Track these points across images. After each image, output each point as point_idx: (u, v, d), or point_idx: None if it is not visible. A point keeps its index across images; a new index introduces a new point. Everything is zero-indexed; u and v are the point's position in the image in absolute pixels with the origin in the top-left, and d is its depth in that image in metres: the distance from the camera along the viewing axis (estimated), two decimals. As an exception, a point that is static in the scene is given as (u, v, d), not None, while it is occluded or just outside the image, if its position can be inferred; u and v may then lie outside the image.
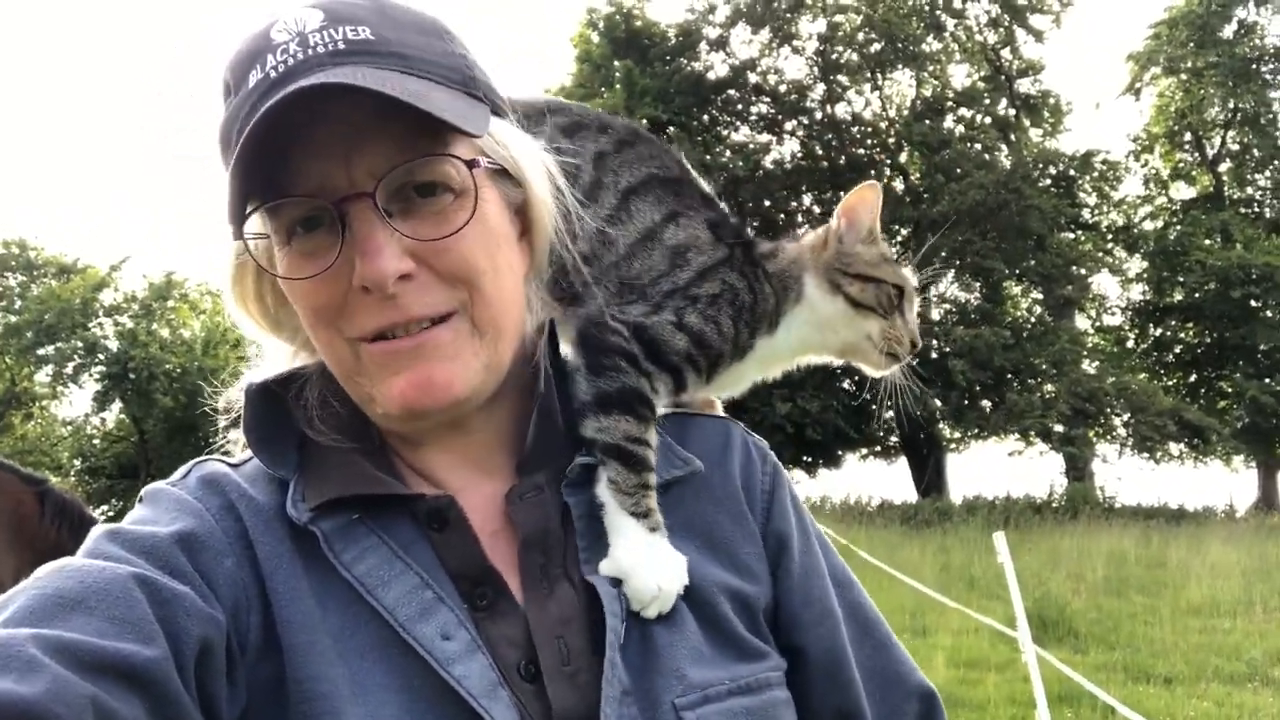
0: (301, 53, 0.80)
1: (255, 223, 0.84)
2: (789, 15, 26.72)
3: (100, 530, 0.80)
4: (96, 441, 28.09)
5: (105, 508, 24.30)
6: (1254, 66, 26.62)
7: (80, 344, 24.57)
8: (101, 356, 24.79)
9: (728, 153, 26.78)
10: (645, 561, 0.88)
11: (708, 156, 25.44)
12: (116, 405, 26.15)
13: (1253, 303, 24.88)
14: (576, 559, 0.89)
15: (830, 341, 1.15)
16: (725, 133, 28.34)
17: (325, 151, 0.80)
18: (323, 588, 0.83)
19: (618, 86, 26.19)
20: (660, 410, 1.01)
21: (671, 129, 25.85)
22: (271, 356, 0.98)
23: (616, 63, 26.61)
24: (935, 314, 27.23)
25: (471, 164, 0.85)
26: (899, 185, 27.65)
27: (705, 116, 27.77)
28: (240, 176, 0.78)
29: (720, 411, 1.15)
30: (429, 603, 0.82)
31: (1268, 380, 24.96)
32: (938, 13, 27.10)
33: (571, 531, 0.90)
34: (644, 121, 25.33)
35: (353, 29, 0.81)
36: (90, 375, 25.49)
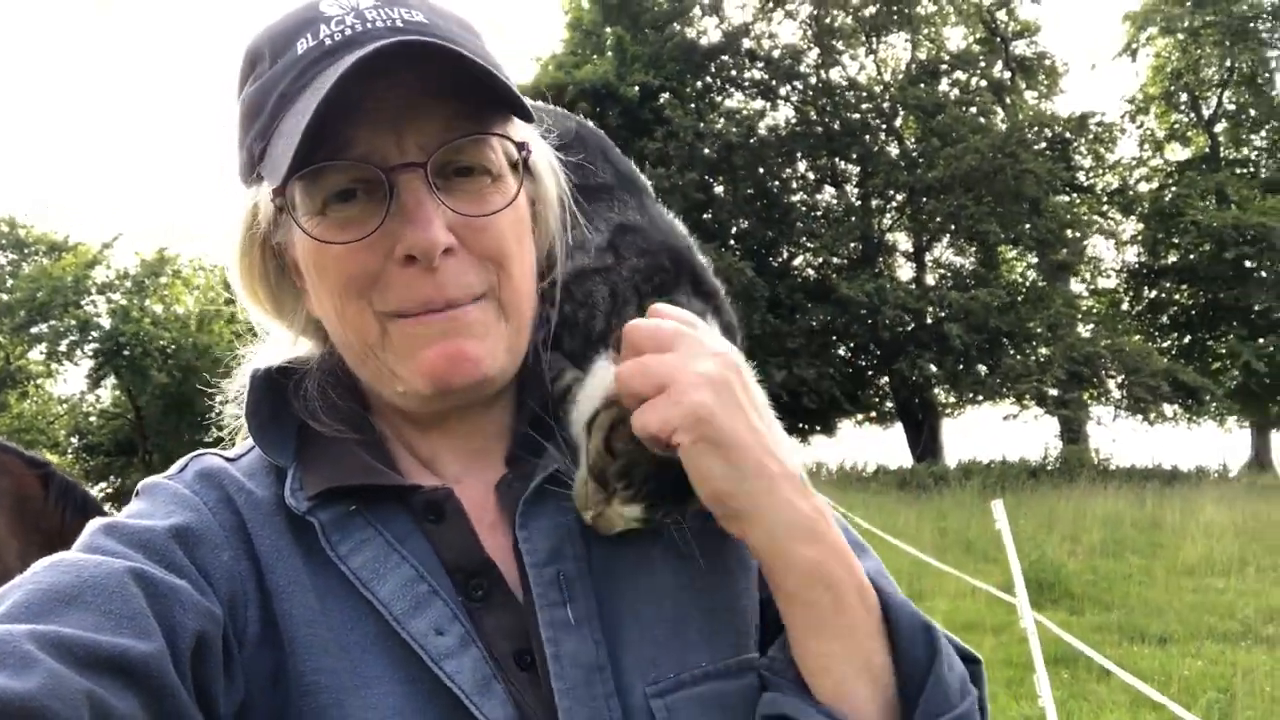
0: (360, 25, 0.80)
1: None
2: (782, -22, 26.48)
3: (96, 524, 0.80)
4: (93, 419, 28.08)
5: (104, 484, 24.36)
6: (1251, 25, 26.44)
7: (74, 321, 24.45)
8: (95, 334, 24.67)
9: (721, 120, 26.59)
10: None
11: (701, 124, 25.27)
12: (111, 382, 26.09)
13: (1247, 263, 24.91)
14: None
15: None
16: (719, 99, 28.16)
17: (374, 121, 0.80)
18: (322, 580, 0.83)
19: (609, 53, 25.95)
20: None
21: (664, 96, 25.66)
22: (272, 342, 0.96)
23: (608, 29, 26.36)
24: (930, 279, 27.23)
25: (521, 145, 0.86)
26: (894, 150, 27.52)
27: (698, 83, 27.56)
28: (287, 139, 0.77)
29: None
30: (423, 597, 0.82)
31: (1261, 341, 25.04)
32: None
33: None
34: (636, 89, 25.20)
35: (407, 11, 0.82)
36: (84, 353, 25.41)
